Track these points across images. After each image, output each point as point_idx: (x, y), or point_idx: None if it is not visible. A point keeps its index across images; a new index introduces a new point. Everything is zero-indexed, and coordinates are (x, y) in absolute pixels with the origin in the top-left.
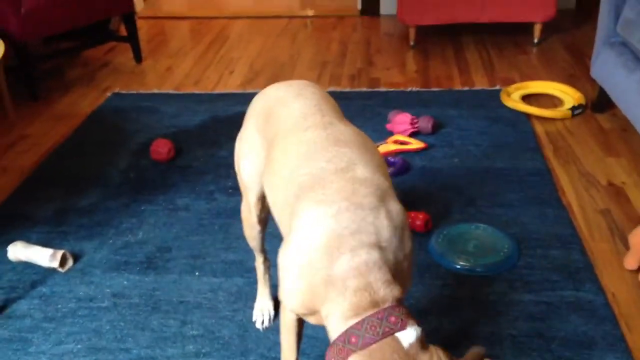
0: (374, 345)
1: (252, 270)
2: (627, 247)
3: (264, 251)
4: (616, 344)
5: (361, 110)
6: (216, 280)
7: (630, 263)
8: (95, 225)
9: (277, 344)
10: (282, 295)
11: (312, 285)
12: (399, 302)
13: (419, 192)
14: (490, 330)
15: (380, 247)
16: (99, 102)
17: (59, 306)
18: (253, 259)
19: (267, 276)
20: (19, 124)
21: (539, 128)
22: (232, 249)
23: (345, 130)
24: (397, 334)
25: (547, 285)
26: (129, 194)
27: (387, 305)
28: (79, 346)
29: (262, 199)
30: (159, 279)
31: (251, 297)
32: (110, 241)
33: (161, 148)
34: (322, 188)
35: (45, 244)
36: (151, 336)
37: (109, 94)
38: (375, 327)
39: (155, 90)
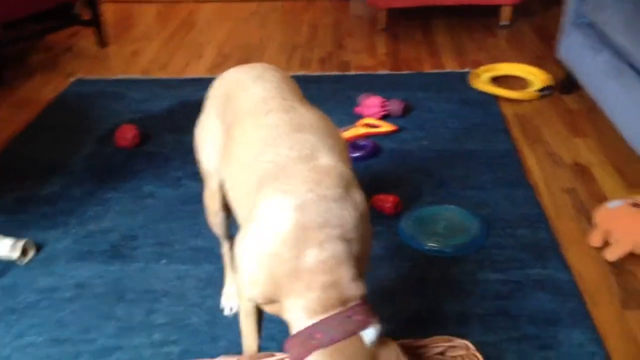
0: (338, 343)
1: (222, 257)
2: (592, 225)
3: (229, 237)
4: (582, 320)
5: (331, 93)
6: (184, 268)
7: (595, 240)
8: (58, 213)
9: None
10: (241, 284)
11: (274, 276)
12: (364, 298)
13: (389, 174)
14: (458, 310)
15: (345, 240)
16: (62, 87)
17: (21, 298)
18: (220, 246)
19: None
20: None
21: (508, 110)
22: (200, 236)
23: (308, 114)
24: (361, 332)
25: (515, 264)
26: (94, 182)
27: (354, 303)
28: (41, 338)
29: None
30: (124, 267)
31: (221, 283)
32: (74, 230)
33: (126, 134)
34: (286, 177)
35: (5, 233)
36: (116, 325)
37: (72, 79)
38: (342, 325)
39: (121, 76)
